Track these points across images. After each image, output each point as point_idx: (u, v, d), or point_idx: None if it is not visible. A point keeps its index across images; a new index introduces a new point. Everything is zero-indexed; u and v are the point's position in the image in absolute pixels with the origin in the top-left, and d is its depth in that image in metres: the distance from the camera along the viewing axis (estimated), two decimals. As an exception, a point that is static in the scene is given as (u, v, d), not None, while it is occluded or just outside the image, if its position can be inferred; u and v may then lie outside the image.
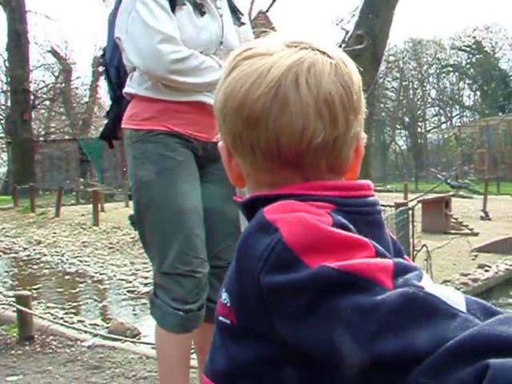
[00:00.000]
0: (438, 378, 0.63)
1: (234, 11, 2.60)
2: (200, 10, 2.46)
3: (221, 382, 0.86)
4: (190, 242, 2.35)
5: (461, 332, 0.64)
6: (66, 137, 33.92)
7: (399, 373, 0.66)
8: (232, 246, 1.53)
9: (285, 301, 0.73)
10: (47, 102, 34.83)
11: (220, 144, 0.94)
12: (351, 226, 0.79)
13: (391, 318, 0.67)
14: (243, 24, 2.61)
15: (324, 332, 0.71)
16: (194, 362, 2.81)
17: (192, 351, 2.65)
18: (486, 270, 9.47)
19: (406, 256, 0.99)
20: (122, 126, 2.50)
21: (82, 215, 17.43)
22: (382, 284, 0.70)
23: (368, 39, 18.09)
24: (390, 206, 8.09)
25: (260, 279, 0.74)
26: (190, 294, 2.38)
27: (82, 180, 26.47)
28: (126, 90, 2.49)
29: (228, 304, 0.82)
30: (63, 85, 34.15)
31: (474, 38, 49.38)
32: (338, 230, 0.76)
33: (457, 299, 0.69)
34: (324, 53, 0.84)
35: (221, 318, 0.84)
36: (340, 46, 20.63)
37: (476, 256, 10.57)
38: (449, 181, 23.09)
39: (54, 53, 34.87)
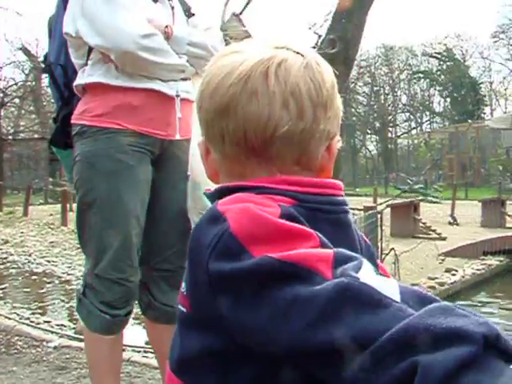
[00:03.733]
0: (374, 372, 0.63)
1: (182, 3, 2.54)
2: None
3: (175, 370, 0.87)
4: (125, 249, 2.31)
5: (394, 322, 0.64)
6: (36, 136, 33.51)
7: (334, 365, 0.67)
8: (183, 250, 1.53)
9: (228, 288, 0.75)
10: (17, 100, 34.37)
11: (199, 140, 0.97)
12: (301, 218, 0.80)
13: (326, 308, 0.68)
14: (192, 15, 2.55)
15: (262, 321, 0.72)
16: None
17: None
18: (453, 274, 9.60)
19: (378, 262, 1.02)
20: (72, 121, 2.39)
21: (51, 215, 17.25)
22: (321, 274, 0.71)
23: (340, 44, 18.19)
24: (359, 210, 8.16)
25: (208, 266, 0.76)
26: (118, 300, 2.36)
27: (51, 179, 26.21)
28: (78, 82, 2.39)
29: (185, 292, 0.84)
30: (33, 83, 33.74)
31: (445, 45, 49.95)
32: (283, 221, 0.77)
33: (391, 289, 0.70)
34: (298, 52, 0.88)
35: (179, 307, 0.87)
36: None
37: (443, 260, 10.71)
38: (401, 186, 23.45)
39: (25, 50, 34.42)
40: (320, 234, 0.78)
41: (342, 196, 0.91)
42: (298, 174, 0.88)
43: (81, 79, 2.38)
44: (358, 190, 30.53)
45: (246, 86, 0.85)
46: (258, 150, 0.87)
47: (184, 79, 2.45)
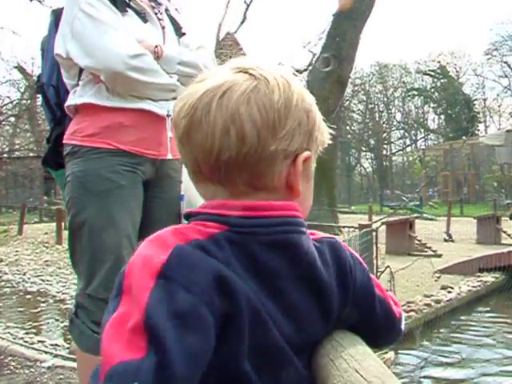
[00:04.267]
0: None
1: (173, 23, 2.55)
2: (142, 17, 2.42)
3: None
4: (117, 269, 2.27)
5: None
6: (31, 154, 33.48)
7: None
8: None
9: None
10: (12, 119, 34.38)
11: None
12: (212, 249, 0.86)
13: None
14: (184, 34, 2.56)
15: None
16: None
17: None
18: (449, 292, 9.56)
19: (373, 277, 1.09)
20: (64, 141, 2.39)
21: (46, 233, 17.20)
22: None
23: (334, 62, 18.31)
24: (354, 228, 8.17)
25: None
26: None
27: (45, 198, 26.16)
28: (69, 102, 2.39)
29: None
30: (29, 101, 33.76)
31: (439, 62, 50.29)
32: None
33: None
34: (254, 75, 0.90)
35: None
36: (306, 69, 20.83)
37: (439, 277, 10.69)
38: (389, 203, 23.72)
39: (20, 69, 34.48)
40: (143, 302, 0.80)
41: (286, 216, 0.92)
42: (252, 196, 0.91)
43: (72, 100, 2.39)
44: (353, 207, 30.56)
45: (193, 118, 0.90)
46: (208, 175, 0.92)
47: (175, 98, 2.45)
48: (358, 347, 0.96)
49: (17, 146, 35.58)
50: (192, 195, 2.37)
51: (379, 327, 1.08)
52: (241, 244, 0.87)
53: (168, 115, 2.41)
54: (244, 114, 0.88)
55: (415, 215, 17.86)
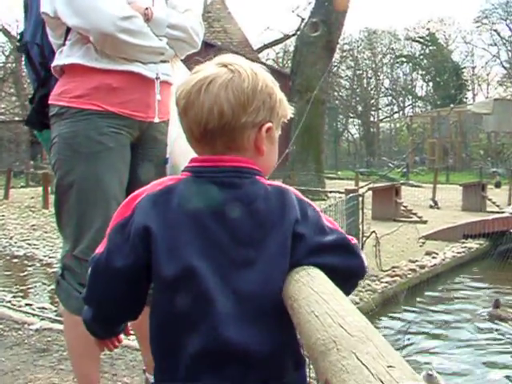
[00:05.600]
0: None
1: None
2: None
3: None
4: (105, 231, 2.25)
5: None
6: (16, 118, 33.11)
7: None
8: None
9: None
10: (-3, 82, 33.97)
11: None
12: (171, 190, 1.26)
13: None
14: None
15: None
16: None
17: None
18: (434, 257, 9.68)
19: (324, 215, 1.31)
20: (50, 102, 2.37)
21: (32, 198, 17.12)
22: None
23: (323, 27, 18.19)
24: (340, 193, 8.20)
25: None
26: None
27: (32, 162, 25.98)
28: (56, 62, 2.36)
29: None
30: (14, 65, 33.33)
31: (428, 29, 49.95)
32: (132, 196, 1.32)
33: None
34: (231, 69, 1.25)
35: None
36: (294, 34, 20.65)
37: (424, 243, 10.79)
38: (361, 170, 24.00)
39: (5, 31, 33.95)
40: (138, 210, 1.26)
41: (237, 166, 1.25)
42: (228, 154, 1.26)
43: (59, 60, 2.36)
44: (339, 173, 30.61)
45: (189, 100, 1.26)
46: (199, 139, 1.28)
47: (163, 61, 2.44)
48: (343, 303, 0.97)
49: (2, 110, 35.17)
50: (176, 158, 2.38)
51: (336, 260, 1.25)
52: (198, 184, 1.25)
53: (157, 78, 2.39)
54: (223, 97, 1.23)
55: (402, 181, 17.95)
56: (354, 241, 1.31)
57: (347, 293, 1.21)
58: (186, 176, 1.27)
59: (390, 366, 0.70)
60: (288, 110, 1.34)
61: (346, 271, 1.26)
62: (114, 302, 1.32)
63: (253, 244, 1.21)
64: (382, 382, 0.66)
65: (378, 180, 12.43)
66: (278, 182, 1.33)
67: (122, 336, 1.52)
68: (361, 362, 0.73)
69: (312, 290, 1.06)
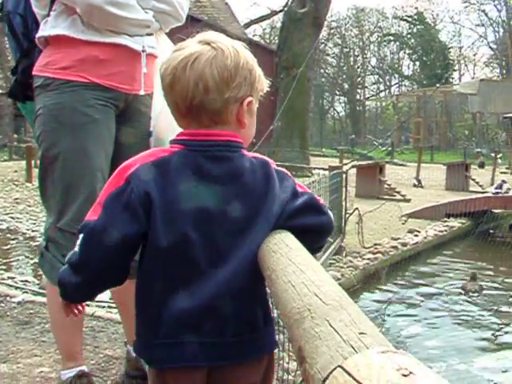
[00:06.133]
0: None
1: None
2: None
3: None
4: (91, 203, 2.17)
5: None
6: (0, 91, 32.77)
7: None
8: None
9: None
10: (-20, 54, 33.52)
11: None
12: (168, 163, 1.31)
13: None
14: None
15: None
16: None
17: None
18: (416, 235, 9.76)
19: (297, 183, 1.42)
20: (34, 73, 2.34)
21: (15, 171, 17.01)
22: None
23: (310, 3, 18.08)
24: (325, 169, 8.22)
25: None
26: None
27: (15, 136, 25.75)
28: (40, 33, 2.33)
29: None
30: (-3, 37, 32.91)
31: (416, 8, 49.89)
32: (122, 167, 1.33)
33: None
34: (214, 47, 1.31)
35: None
36: (282, 10, 20.51)
37: (406, 221, 10.88)
38: (340, 147, 24.24)
39: (-12, 2, 33.46)
40: (135, 178, 1.28)
41: (226, 140, 1.33)
42: (213, 128, 1.33)
43: (44, 31, 2.33)
44: (324, 150, 30.66)
45: (175, 76, 1.31)
46: (185, 114, 1.34)
47: (149, 34, 2.43)
48: (319, 273, 0.99)
49: (-15, 82, 34.72)
50: (161, 131, 2.37)
51: (309, 219, 1.39)
52: (191, 157, 1.31)
53: (143, 50, 2.38)
54: (208, 74, 1.29)
55: (386, 160, 17.99)
56: (322, 200, 1.47)
57: (318, 250, 1.51)
58: (178, 149, 1.32)
59: (362, 333, 0.71)
60: (265, 84, 1.41)
61: (317, 228, 1.41)
62: (104, 270, 1.35)
63: (244, 215, 1.31)
64: (352, 347, 0.68)
65: (358, 159, 12.44)
66: (259, 155, 1.41)
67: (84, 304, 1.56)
68: (333, 328, 0.74)
69: (290, 261, 1.08)
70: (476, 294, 7.37)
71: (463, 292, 7.51)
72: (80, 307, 1.49)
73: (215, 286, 1.27)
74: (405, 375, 0.57)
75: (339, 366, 0.64)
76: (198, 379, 1.31)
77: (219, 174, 1.31)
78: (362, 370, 0.61)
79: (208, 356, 1.28)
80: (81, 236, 1.33)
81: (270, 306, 1.43)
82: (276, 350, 2.50)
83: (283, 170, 1.42)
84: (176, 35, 2.40)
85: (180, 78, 1.30)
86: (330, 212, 1.45)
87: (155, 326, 1.30)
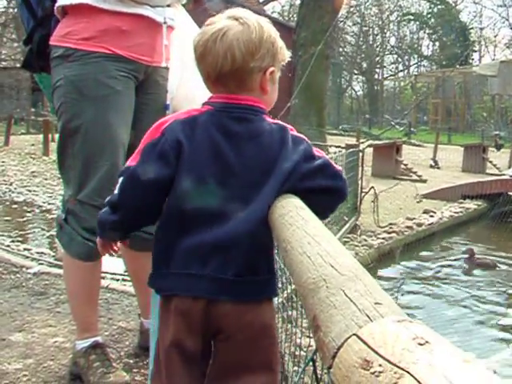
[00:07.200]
0: None
1: None
2: None
3: None
4: (112, 175, 2.19)
5: None
6: (18, 64, 32.81)
7: None
8: None
9: None
10: (-2, 27, 33.55)
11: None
12: (197, 118, 1.48)
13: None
14: None
15: None
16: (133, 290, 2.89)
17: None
18: (431, 216, 9.73)
19: (316, 149, 1.54)
20: (53, 43, 2.31)
21: (32, 145, 17.13)
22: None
23: (330, -20, 17.90)
24: (341, 148, 8.19)
25: None
26: None
27: (33, 109, 25.87)
28: (61, 2, 2.30)
29: None
30: (15, 10, 32.89)
31: (437, -13, 49.18)
32: (160, 122, 1.50)
33: None
34: (242, 23, 1.46)
35: None
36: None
37: (421, 201, 10.84)
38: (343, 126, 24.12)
39: (6, -25, 33.42)
40: (168, 130, 1.46)
41: (254, 106, 1.49)
42: (239, 93, 1.48)
43: (64, 0, 2.29)
44: (340, 127, 30.53)
45: (206, 48, 1.46)
46: (215, 81, 1.50)
47: (169, 6, 2.41)
48: (335, 245, 0.98)
49: (3, 56, 34.84)
50: (179, 105, 2.36)
51: (324, 181, 1.49)
52: (217, 116, 1.48)
53: (164, 22, 2.36)
54: (235, 46, 1.44)
55: (403, 139, 17.90)
56: (339, 167, 1.57)
57: (325, 216, 1.63)
58: (207, 109, 1.49)
59: (377, 303, 0.71)
60: (286, 55, 1.57)
61: (331, 191, 1.51)
62: (139, 209, 1.53)
63: (258, 170, 1.45)
64: (368, 316, 0.67)
65: (371, 139, 12.39)
66: (278, 121, 1.55)
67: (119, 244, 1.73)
68: (349, 298, 0.74)
69: (305, 233, 1.07)
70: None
71: (467, 256, 7.77)
72: (115, 248, 1.69)
73: (225, 231, 1.42)
74: (421, 344, 0.56)
75: (354, 335, 0.64)
76: (198, 308, 1.43)
77: (239, 132, 1.46)
78: (377, 338, 0.60)
79: (209, 289, 1.42)
80: (121, 179, 1.51)
81: (275, 259, 1.58)
82: (289, 326, 2.52)
83: (301, 135, 1.55)
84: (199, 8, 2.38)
85: (211, 50, 1.45)
86: (345, 178, 1.57)
87: (167, 259, 1.46)
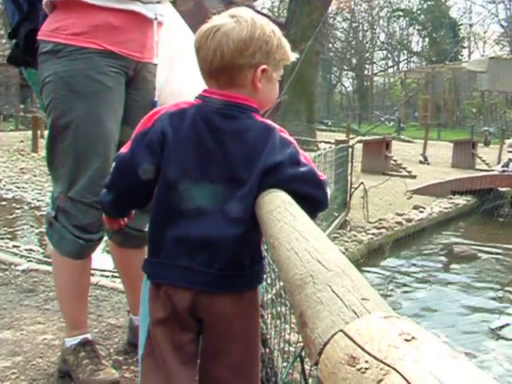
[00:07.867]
0: None
1: None
2: None
3: None
4: (103, 172, 2.18)
5: None
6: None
7: None
8: None
9: None
10: (-14, 23, 33.34)
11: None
12: (185, 111, 1.53)
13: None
14: None
15: None
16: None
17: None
18: (421, 211, 9.76)
19: (303, 155, 1.54)
20: (41, 38, 2.27)
21: (21, 141, 17.04)
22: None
23: (320, -24, 17.90)
24: (331, 143, 8.19)
25: None
26: (93, 225, 2.34)
27: (22, 106, 25.73)
28: None
29: None
30: (2, 6, 32.69)
31: (427, -17, 49.26)
32: (153, 112, 1.57)
33: None
34: (236, 20, 1.50)
35: None
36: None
37: (411, 197, 10.87)
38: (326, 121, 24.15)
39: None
40: (158, 121, 1.53)
41: (241, 103, 1.51)
42: (229, 89, 1.52)
43: None
44: (329, 123, 30.54)
45: (201, 42, 1.51)
46: (208, 76, 1.54)
47: (158, 2, 2.40)
48: (323, 241, 0.98)
49: (-9, 52, 34.61)
50: (166, 102, 2.35)
51: (305, 189, 1.50)
52: (205, 110, 1.52)
53: (155, 18, 2.35)
54: (224, 43, 1.48)
55: (393, 135, 17.94)
56: (324, 177, 1.59)
57: None
58: (197, 102, 1.54)
59: (364, 299, 0.70)
60: (288, 54, 1.61)
61: (310, 200, 1.50)
62: (128, 191, 1.62)
63: (241, 166, 1.49)
64: (354, 312, 0.67)
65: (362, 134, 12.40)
66: (267, 120, 1.57)
67: (126, 220, 1.81)
68: (335, 294, 0.73)
69: (293, 229, 1.06)
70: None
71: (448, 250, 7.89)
72: (122, 222, 1.80)
73: (210, 228, 1.48)
74: (407, 340, 0.56)
75: (340, 331, 0.64)
76: (185, 298, 1.51)
77: (225, 128, 1.50)
78: (363, 335, 0.60)
79: (194, 281, 1.49)
80: (113, 163, 1.61)
81: (262, 248, 1.63)
82: (278, 322, 2.52)
83: (290, 138, 1.56)
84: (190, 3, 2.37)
85: (203, 46, 1.51)
86: (327, 190, 1.58)
87: (158, 249, 1.54)
